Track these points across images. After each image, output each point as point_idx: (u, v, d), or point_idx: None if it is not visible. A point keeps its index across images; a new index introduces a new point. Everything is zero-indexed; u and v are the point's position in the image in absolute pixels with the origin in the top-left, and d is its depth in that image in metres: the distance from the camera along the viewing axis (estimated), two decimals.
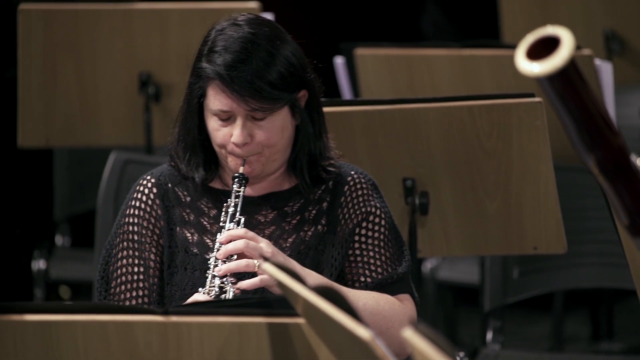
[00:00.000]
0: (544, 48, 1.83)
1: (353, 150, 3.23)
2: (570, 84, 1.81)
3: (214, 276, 2.64)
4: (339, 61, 4.25)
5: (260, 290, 2.73)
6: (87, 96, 4.38)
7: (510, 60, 4.15)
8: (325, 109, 2.86)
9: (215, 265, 2.64)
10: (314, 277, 2.67)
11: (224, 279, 2.63)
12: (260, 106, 2.69)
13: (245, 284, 2.61)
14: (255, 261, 2.62)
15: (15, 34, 4.32)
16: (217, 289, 2.62)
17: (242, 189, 2.70)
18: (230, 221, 2.68)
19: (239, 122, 2.70)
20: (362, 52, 4.17)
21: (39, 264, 4.92)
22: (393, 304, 2.73)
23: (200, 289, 2.65)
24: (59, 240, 5.23)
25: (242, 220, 2.69)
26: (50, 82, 4.36)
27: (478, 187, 3.29)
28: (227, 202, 2.71)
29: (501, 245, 3.32)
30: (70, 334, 2.09)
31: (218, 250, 2.65)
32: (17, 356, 2.10)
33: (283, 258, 2.65)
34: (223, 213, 2.70)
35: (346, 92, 4.26)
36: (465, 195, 3.29)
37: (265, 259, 2.62)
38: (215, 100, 2.70)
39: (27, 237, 5.96)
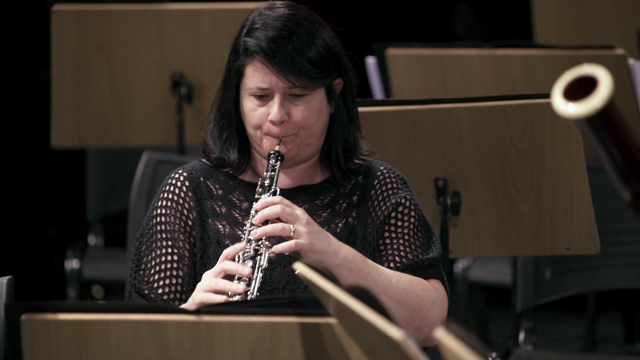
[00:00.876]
0: (580, 87, 1.81)
1: (385, 150, 3.23)
2: (608, 124, 1.80)
3: (249, 240, 2.66)
4: (371, 61, 4.25)
5: (291, 289, 2.74)
6: (120, 97, 4.40)
7: (543, 60, 4.14)
8: (358, 109, 2.86)
9: (251, 231, 2.66)
10: (347, 250, 2.69)
11: (259, 242, 2.64)
12: (299, 83, 2.71)
13: (280, 247, 2.64)
14: (291, 226, 2.64)
15: (49, 34, 4.34)
16: (252, 252, 2.64)
17: (278, 163, 2.72)
18: (266, 192, 2.70)
19: (276, 99, 2.73)
20: (393, 52, 4.17)
21: (72, 264, 4.94)
22: (425, 285, 2.74)
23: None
24: (91, 240, 5.25)
25: (278, 191, 2.71)
26: (84, 82, 4.38)
27: (510, 187, 3.28)
28: (259, 184, 2.73)
29: (533, 245, 3.30)
30: (103, 333, 2.10)
31: (254, 216, 2.67)
32: (50, 355, 2.12)
33: (318, 227, 2.67)
34: (259, 185, 2.72)
35: (378, 92, 4.25)
36: (498, 196, 3.28)
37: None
38: (254, 77, 2.73)
39: (61, 237, 5.99)
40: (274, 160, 2.73)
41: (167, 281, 2.77)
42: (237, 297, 2.60)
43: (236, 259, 2.66)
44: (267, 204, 2.66)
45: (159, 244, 2.79)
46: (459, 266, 4.71)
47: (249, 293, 2.60)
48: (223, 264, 2.64)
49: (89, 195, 5.13)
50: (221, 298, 2.59)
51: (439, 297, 2.76)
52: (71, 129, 4.39)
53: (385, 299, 2.68)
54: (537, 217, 3.28)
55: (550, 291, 3.92)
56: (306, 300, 2.17)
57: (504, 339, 5.45)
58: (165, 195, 2.82)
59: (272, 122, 2.73)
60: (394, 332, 1.83)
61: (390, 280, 2.70)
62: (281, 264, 2.76)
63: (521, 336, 4.05)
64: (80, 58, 4.36)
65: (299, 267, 2.09)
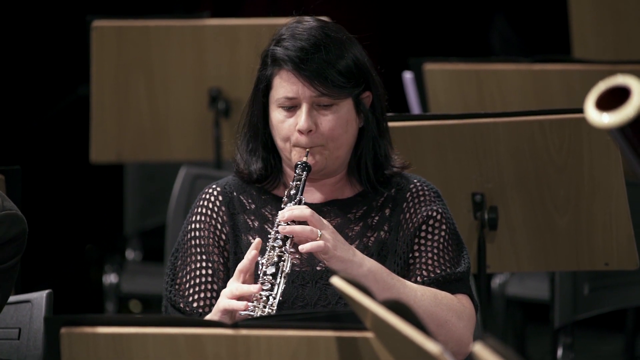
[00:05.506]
0: (613, 98, 1.82)
1: (422, 164, 3.23)
2: None
3: (273, 247, 2.67)
4: (408, 76, 4.25)
5: (322, 305, 2.75)
6: (158, 112, 4.43)
7: (581, 74, 4.12)
8: (394, 124, 2.88)
9: (276, 238, 2.67)
10: (372, 262, 2.69)
11: (282, 249, 2.65)
12: (326, 91, 2.73)
13: (307, 245, 2.64)
14: (319, 231, 2.64)
15: (88, 50, 4.38)
16: (275, 258, 2.66)
17: (304, 174, 2.74)
18: (292, 201, 2.72)
19: (304, 109, 2.75)
20: (430, 67, 4.17)
21: (110, 278, 4.97)
22: (451, 300, 2.73)
23: (259, 258, 2.69)
24: (129, 254, 5.28)
25: (303, 200, 2.72)
26: (122, 98, 4.41)
27: (548, 202, 3.27)
28: (285, 194, 2.74)
29: (571, 260, 3.29)
30: (142, 346, 2.11)
31: (279, 224, 2.68)
32: None
33: (343, 239, 2.68)
34: (285, 195, 2.74)
35: (415, 107, 4.25)
36: (535, 210, 3.27)
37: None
38: (281, 87, 2.75)
39: (99, 251, 6.03)
40: (300, 170, 2.74)
41: (202, 295, 2.78)
42: (257, 303, 2.61)
43: (259, 267, 2.68)
44: (296, 209, 2.67)
45: (193, 258, 2.81)
46: (496, 281, 4.69)
47: (271, 297, 2.61)
48: (239, 265, 2.66)
49: (127, 209, 5.16)
50: (241, 304, 2.61)
51: (465, 311, 2.75)
52: (110, 144, 4.42)
53: None
54: (575, 232, 3.27)
55: (588, 307, 3.90)
56: (343, 314, 2.17)
57: (542, 355, 5.42)
58: (200, 210, 2.84)
59: (300, 132, 2.75)
60: (431, 346, 1.83)
61: (416, 293, 2.70)
62: (313, 280, 2.77)
63: (559, 352, 4.02)
64: (119, 73, 4.40)
65: (336, 281, 2.09)
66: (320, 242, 2.64)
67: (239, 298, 2.63)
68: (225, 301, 2.64)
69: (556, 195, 3.26)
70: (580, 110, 3.25)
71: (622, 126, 1.81)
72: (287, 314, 2.60)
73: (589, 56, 4.92)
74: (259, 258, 2.69)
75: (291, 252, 2.66)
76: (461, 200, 3.26)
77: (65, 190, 6.08)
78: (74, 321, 2.12)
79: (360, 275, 2.66)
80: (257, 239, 2.69)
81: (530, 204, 3.27)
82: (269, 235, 2.71)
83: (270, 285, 2.63)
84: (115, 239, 5.66)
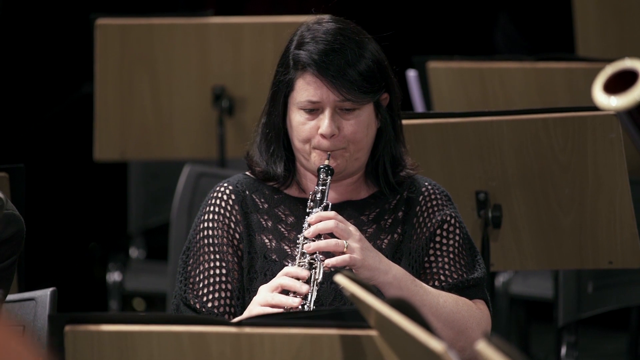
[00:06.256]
0: (621, 81, 1.82)
1: (426, 163, 3.22)
2: None
3: (303, 253, 2.66)
4: (412, 74, 4.25)
5: (338, 305, 2.74)
6: (162, 110, 4.43)
7: (585, 73, 4.12)
8: (402, 123, 2.87)
9: (304, 244, 2.67)
10: (397, 269, 2.69)
11: (314, 256, 2.65)
12: (351, 96, 2.72)
13: (334, 260, 2.64)
14: (344, 242, 2.64)
15: (92, 48, 4.38)
16: (307, 265, 2.65)
17: (329, 178, 2.73)
18: (318, 206, 2.71)
19: (327, 113, 2.74)
20: (434, 65, 4.17)
21: (114, 276, 4.97)
22: (470, 306, 2.74)
23: (289, 263, 2.68)
24: (133, 252, 5.28)
25: (330, 205, 2.72)
26: (126, 96, 4.41)
27: (552, 200, 3.26)
28: (310, 198, 2.73)
29: (575, 259, 3.29)
30: (146, 344, 2.12)
31: (307, 229, 2.68)
32: None
33: (369, 244, 2.68)
34: (310, 199, 2.73)
35: (419, 105, 4.25)
36: (539, 209, 3.27)
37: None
38: (305, 91, 2.74)
39: (102, 249, 6.03)
40: (324, 175, 2.73)
41: (217, 294, 2.77)
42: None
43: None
44: (321, 218, 2.67)
45: (207, 257, 2.79)
46: (500, 280, 4.69)
47: (305, 307, 2.61)
48: (281, 279, 2.64)
49: (131, 208, 5.16)
50: (277, 312, 2.60)
51: (484, 317, 2.76)
52: (113, 142, 4.42)
53: (432, 318, 2.67)
54: (579, 231, 3.27)
55: (592, 305, 3.90)
56: (347, 312, 2.17)
57: (546, 354, 5.41)
58: (212, 208, 2.82)
59: (323, 136, 2.74)
60: (435, 344, 1.83)
61: (438, 300, 2.70)
62: (328, 280, 2.76)
63: (563, 351, 4.02)
64: (123, 71, 4.40)
65: (340, 280, 2.09)
66: (346, 257, 2.64)
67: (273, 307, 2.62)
68: (259, 308, 2.63)
69: (560, 194, 3.26)
70: (585, 109, 3.25)
71: (630, 109, 1.81)
72: (291, 312, 2.60)
73: (592, 54, 4.91)
74: (289, 263, 2.69)
75: (322, 259, 2.66)
76: (465, 198, 3.26)
77: (69, 189, 6.08)
78: (78, 319, 2.12)
79: (386, 283, 2.66)
80: (306, 271, 2.66)
81: (534, 202, 3.27)
82: (297, 241, 2.71)
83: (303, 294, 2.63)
84: (119, 237, 5.67)
